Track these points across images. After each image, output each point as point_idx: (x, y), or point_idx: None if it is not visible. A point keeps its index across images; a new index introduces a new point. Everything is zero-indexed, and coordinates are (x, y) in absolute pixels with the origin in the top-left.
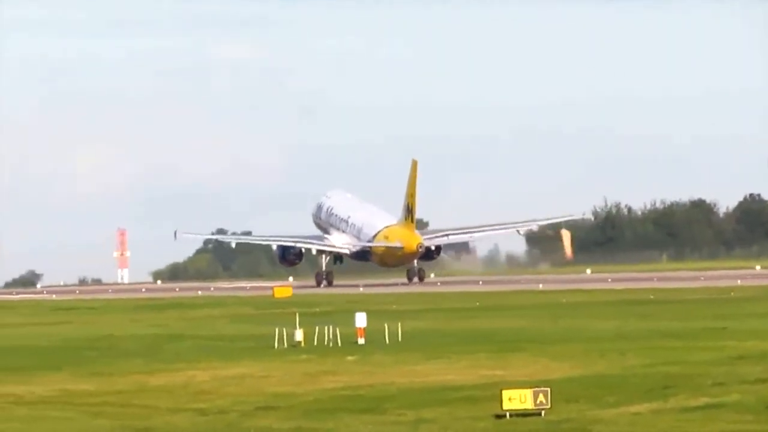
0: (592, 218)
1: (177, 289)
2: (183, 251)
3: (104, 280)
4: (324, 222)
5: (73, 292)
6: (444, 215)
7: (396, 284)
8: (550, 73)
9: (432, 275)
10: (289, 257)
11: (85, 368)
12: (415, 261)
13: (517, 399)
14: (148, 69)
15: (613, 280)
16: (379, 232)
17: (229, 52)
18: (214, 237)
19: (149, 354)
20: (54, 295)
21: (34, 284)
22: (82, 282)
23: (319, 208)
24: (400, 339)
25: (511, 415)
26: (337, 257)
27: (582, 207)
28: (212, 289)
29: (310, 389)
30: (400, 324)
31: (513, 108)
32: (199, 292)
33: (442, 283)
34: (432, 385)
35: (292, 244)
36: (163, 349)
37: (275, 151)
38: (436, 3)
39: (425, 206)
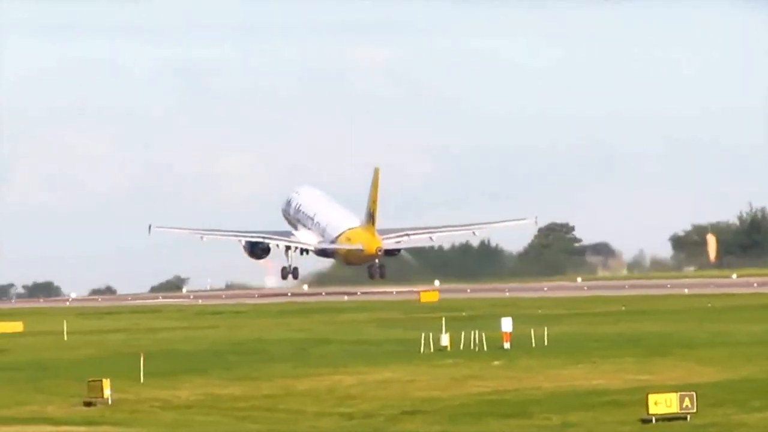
0: (535, 222)
1: (323, 294)
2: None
3: (250, 285)
4: (292, 217)
5: (219, 296)
6: (588, 221)
7: (530, 289)
8: (699, 82)
9: (579, 279)
10: (257, 252)
11: (231, 372)
12: (377, 259)
13: (662, 403)
14: (289, 73)
15: (759, 285)
16: (342, 233)
17: (367, 56)
18: (185, 230)
19: (296, 358)
20: (200, 300)
21: (180, 288)
22: (228, 286)
23: (288, 203)
24: (545, 343)
25: (656, 420)
26: (303, 251)
27: (728, 212)
28: (359, 293)
29: (456, 393)
30: (546, 328)
31: (659, 118)
32: (346, 297)
33: (588, 287)
34: (578, 390)
35: (260, 239)
36: (309, 353)
37: (414, 155)
38: (582, 6)
39: (568, 212)
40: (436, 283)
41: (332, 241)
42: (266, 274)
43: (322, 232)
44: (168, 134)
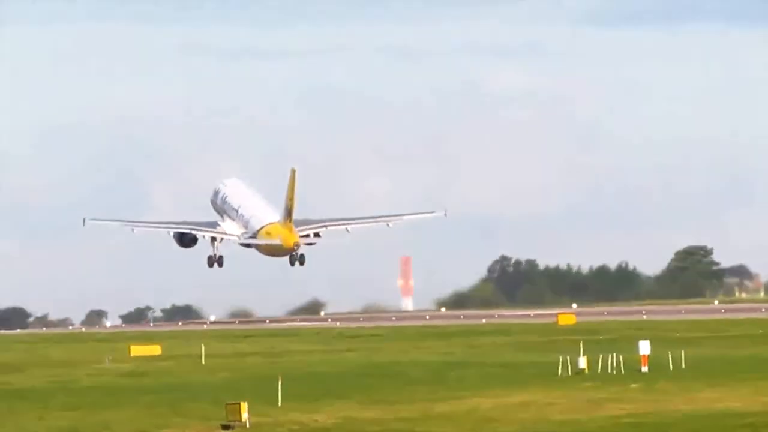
0: (444, 215)
1: (461, 317)
2: (467, 279)
3: (387, 308)
4: (219, 207)
5: (357, 319)
6: (726, 244)
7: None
8: None
9: (716, 302)
10: (186, 241)
11: (369, 395)
12: (294, 252)
13: None
14: (429, 93)
15: None
16: (263, 227)
17: (506, 79)
18: (117, 222)
19: (434, 381)
20: (338, 323)
21: (318, 312)
22: (366, 309)
23: (216, 193)
24: (683, 366)
25: None
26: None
27: None
28: (497, 316)
29: (594, 416)
30: (683, 351)
31: None
32: (484, 320)
33: (726, 310)
34: (715, 412)
35: (188, 231)
36: (447, 376)
37: (553, 177)
38: (721, 31)
39: (705, 235)
40: (574, 306)
41: (253, 234)
42: (403, 297)
43: (246, 224)
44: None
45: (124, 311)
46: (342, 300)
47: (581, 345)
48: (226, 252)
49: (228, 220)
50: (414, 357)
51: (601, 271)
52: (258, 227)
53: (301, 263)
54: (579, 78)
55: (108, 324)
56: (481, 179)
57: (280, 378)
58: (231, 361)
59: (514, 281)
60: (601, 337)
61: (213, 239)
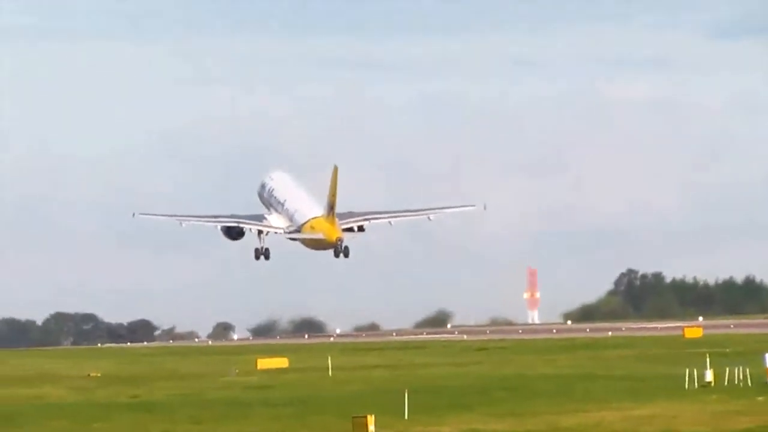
0: (484, 208)
1: (588, 330)
2: (594, 292)
3: (514, 321)
4: (266, 200)
5: (484, 332)
6: None
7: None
8: None
9: None
10: (233, 234)
11: (496, 408)
12: (338, 245)
13: None
14: (551, 105)
15: None
16: (307, 221)
17: (626, 91)
18: (165, 216)
19: (560, 394)
20: (465, 336)
21: (444, 324)
22: (492, 321)
23: (263, 186)
24: None
25: None
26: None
27: None
28: (623, 329)
29: (721, 429)
30: None
31: None
32: (610, 333)
33: None
34: None
35: (235, 224)
36: (574, 389)
37: (679, 189)
38: None
39: None
40: (700, 318)
41: (298, 228)
42: (530, 309)
43: (291, 218)
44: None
45: (253, 324)
46: (469, 312)
47: (708, 358)
48: (273, 244)
49: (274, 213)
50: (540, 370)
51: (728, 284)
52: (302, 221)
53: (346, 255)
54: (705, 90)
55: (235, 337)
56: (606, 192)
57: (406, 391)
58: (358, 374)
59: (640, 294)
60: (727, 350)
61: (259, 232)
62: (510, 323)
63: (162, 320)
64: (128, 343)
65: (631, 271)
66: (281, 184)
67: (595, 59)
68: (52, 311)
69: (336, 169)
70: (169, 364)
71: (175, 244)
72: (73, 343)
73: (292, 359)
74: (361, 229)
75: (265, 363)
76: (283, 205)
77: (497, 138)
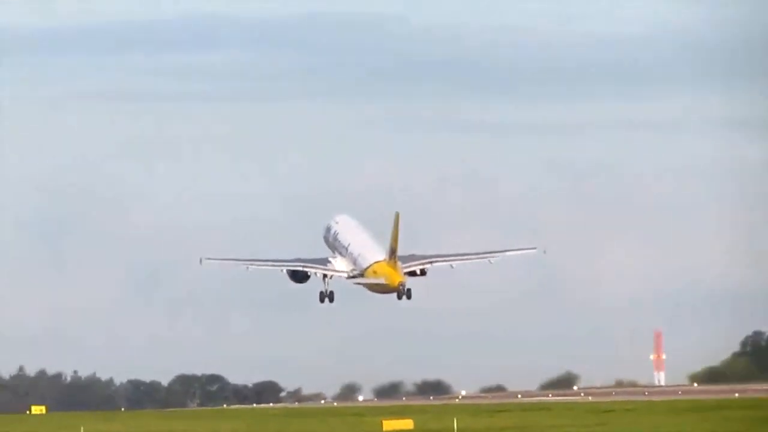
0: (544, 252)
1: (714, 392)
2: (720, 353)
3: (640, 382)
4: (330, 244)
5: (610, 393)
6: None
7: None
8: None
9: None
10: (298, 278)
11: None
12: (400, 288)
13: None
14: (671, 166)
15: None
16: (370, 265)
17: (756, 154)
18: (232, 261)
19: None
20: (590, 397)
21: (570, 385)
22: (618, 383)
23: (328, 230)
24: None
25: None
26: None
27: None
28: (750, 391)
29: None
30: None
31: None
32: (737, 395)
33: None
34: None
35: (301, 268)
36: None
37: None
38: None
39: None
40: None
41: (361, 272)
42: (656, 371)
43: (354, 262)
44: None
45: (377, 385)
46: (594, 373)
47: None
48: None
49: (339, 257)
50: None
51: None
52: (365, 266)
53: (408, 298)
54: None
55: (360, 398)
56: (732, 252)
57: None
58: None
59: (767, 356)
60: None
61: (324, 276)
62: (635, 385)
63: (287, 381)
64: (254, 405)
65: (757, 333)
66: (345, 228)
67: (721, 121)
68: (178, 373)
69: (398, 215)
70: (296, 425)
71: (299, 304)
72: (199, 405)
73: (417, 421)
74: (423, 272)
75: (390, 425)
76: (347, 248)
77: (623, 201)
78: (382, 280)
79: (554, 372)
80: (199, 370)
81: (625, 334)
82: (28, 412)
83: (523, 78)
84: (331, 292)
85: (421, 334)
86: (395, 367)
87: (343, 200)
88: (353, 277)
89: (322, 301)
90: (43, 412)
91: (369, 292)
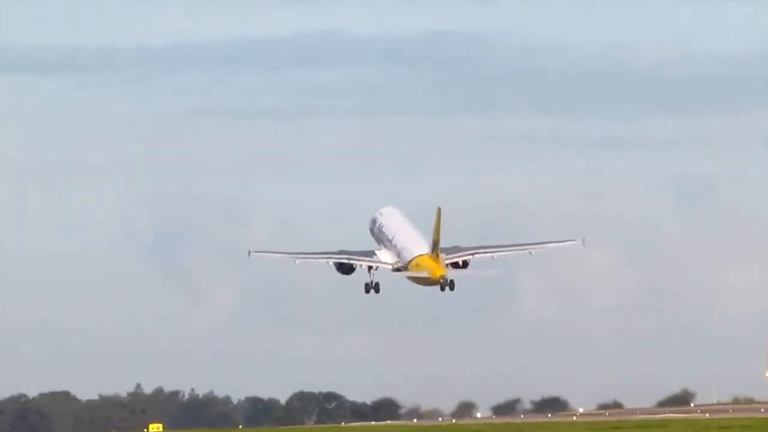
0: (582, 243)
1: None
2: None
3: (757, 399)
4: (376, 236)
5: (726, 410)
6: None
7: None
8: None
9: None
10: (345, 269)
11: None
12: (443, 281)
13: None
14: None
15: None
16: (414, 258)
17: None
18: (279, 254)
19: None
20: (707, 414)
21: (687, 402)
22: (735, 400)
23: (374, 222)
24: None
25: None
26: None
27: None
28: None
29: None
30: None
31: None
32: None
33: None
34: None
35: (347, 260)
36: None
37: None
38: None
39: None
40: None
41: (405, 265)
42: None
43: (398, 254)
44: None
45: (494, 402)
46: (710, 390)
47: None
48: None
49: (384, 249)
50: None
51: None
52: (408, 258)
53: (452, 289)
54: None
55: (478, 415)
56: None
57: None
58: None
59: None
60: None
61: (369, 268)
62: (753, 401)
63: (405, 398)
64: (372, 422)
65: None
66: (390, 220)
67: None
68: (296, 390)
69: (439, 210)
70: None
71: (419, 319)
72: (317, 422)
73: None
74: (465, 264)
75: None
76: (391, 241)
77: (733, 212)
78: (425, 273)
79: (671, 389)
80: (317, 387)
81: (741, 350)
82: (145, 430)
83: (636, 93)
84: (377, 284)
85: (537, 350)
86: (511, 382)
87: (470, 215)
88: (398, 269)
89: (367, 291)
90: (160, 430)
91: (413, 284)
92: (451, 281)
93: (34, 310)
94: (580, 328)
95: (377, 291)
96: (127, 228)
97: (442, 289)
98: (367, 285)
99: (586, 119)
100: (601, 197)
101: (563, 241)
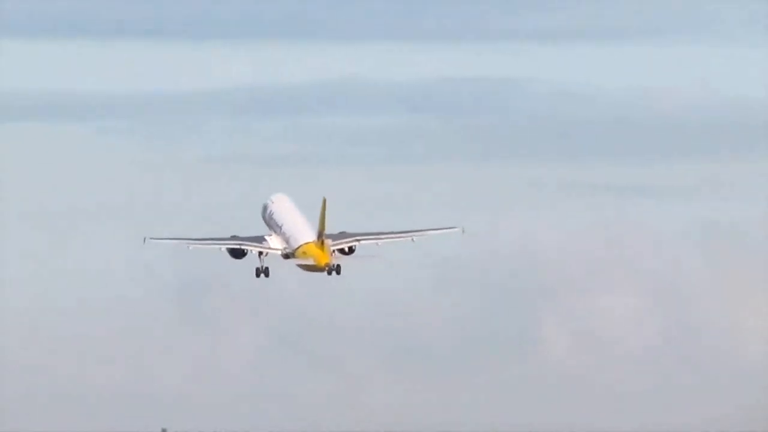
0: (462, 231)
1: None
2: None
3: None
4: (267, 222)
5: None
6: None
7: None
8: None
9: None
10: (236, 255)
11: None
12: (329, 267)
13: None
14: None
15: None
16: (299, 246)
17: None
18: (174, 240)
19: None
20: None
21: None
22: None
23: (265, 209)
24: None
25: None
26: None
27: None
28: None
29: None
30: None
31: None
32: None
33: None
34: None
35: (237, 246)
36: None
37: None
38: None
39: None
40: None
41: (292, 252)
42: None
43: (287, 241)
44: None
45: None
46: None
47: None
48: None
49: (274, 235)
50: None
51: None
52: (295, 246)
53: (338, 273)
54: None
55: None
56: None
57: None
58: None
59: None
60: None
61: (260, 253)
62: None
63: None
64: None
65: None
66: (280, 207)
67: None
68: None
69: (324, 200)
70: None
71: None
72: None
73: None
74: (351, 250)
75: None
76: (280, 228)
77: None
78: (310, 261)
79: None
80: None
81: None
82: None
83: (660, 138)
84: (267, 268)
85: (556, 396)
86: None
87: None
88: (286, 255)
89: (257, 276)
90: None
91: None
92: (338, 266)
93: (50, 361)
94: (600, 375)
95: (267, 275)
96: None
97: (329, 273)
98: (257, 270)
99: (607, 165)
100: (625, 243)
101: (443, 228)
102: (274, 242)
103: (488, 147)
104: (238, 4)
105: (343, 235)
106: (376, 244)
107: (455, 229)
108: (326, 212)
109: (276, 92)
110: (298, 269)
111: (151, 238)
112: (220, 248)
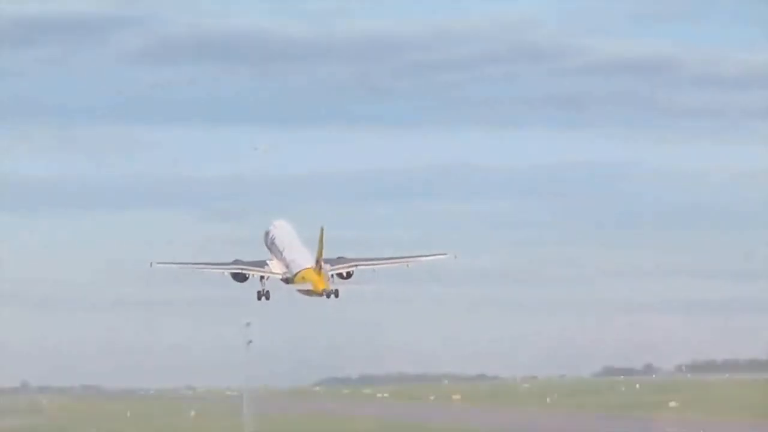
0: (454, 257)
1: None
2: None
3: None
4: (269, 247)
5: None
6: None
7: None
8: None
9: None
10: (239, 279)
11: None
12: (326, 292)
13: None
14: None
15: None
16: (299, 271)
17: None
18: (181, 265)
19: None
20: None
21: None
22: None
23: (267, 234)
24: None
25: None
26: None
27: None
28: None
29: None
30: None
31: None
32: None
33: None
34: None
35: (239, 271)
36: None
37: None
38: None
39: None
40: None
41: (291, 277)
42: None
43: (287, 267)
44: None
45: None
46: None
47: None
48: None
49: (275, 260)
50: None
51: None
52: (295, 271)
53: (336, 296)
54: None
55: None
56: None
57: None
58: None
59: None
60: None
61: (261, 277)
62: None
63: None
64: None
65: None
66: (281, 233)
67: None
68: None
69: (322, 229)
70: None
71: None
72: None
73: None
74: (349, 275)
75: None
76: (281, 253)
77: None
78: (308, 286)
79: None
80: None
81: None
82: None
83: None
84: (267, 292)
85: None
86: None
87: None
88: (286, 280)
89: (259, 299)
90: None
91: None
92: (336, 290)
93: None
94: None
95: (268, 298)
96: None
97: (328, 297)
98: (259, 293)
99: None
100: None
101: (435, 255)
102: (275, 267)
103: (592, 230)
104: None
105: (341, 260)
106: (373, 270)
107: (446, 255)
108: (324, 241)
109: (386, 176)
110: (298, 293)
111: (158, 263)
112: (223, 273)
